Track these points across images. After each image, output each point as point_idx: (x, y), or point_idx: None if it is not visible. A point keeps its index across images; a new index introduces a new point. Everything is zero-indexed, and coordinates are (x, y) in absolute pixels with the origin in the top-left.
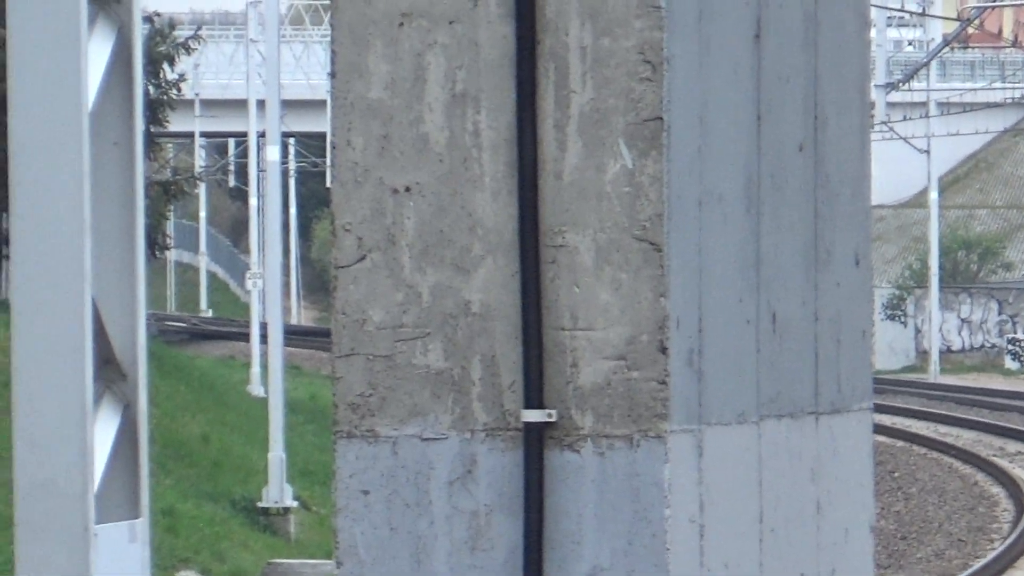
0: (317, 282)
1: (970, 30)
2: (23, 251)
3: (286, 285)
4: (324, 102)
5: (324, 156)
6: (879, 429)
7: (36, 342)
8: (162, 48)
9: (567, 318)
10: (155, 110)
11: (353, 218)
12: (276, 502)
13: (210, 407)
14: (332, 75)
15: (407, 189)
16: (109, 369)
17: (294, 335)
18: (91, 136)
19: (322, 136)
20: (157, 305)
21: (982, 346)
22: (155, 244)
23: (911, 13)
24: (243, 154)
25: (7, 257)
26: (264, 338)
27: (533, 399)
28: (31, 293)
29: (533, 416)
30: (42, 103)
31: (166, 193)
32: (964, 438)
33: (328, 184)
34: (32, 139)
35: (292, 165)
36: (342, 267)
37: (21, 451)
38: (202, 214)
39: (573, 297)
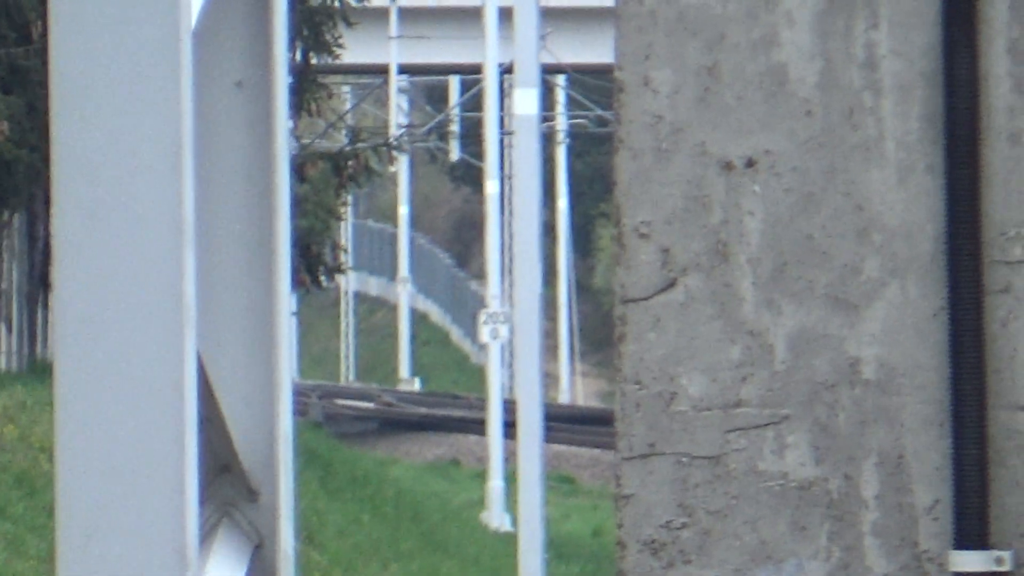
0: (604, 331)
1: None
2: (71, 274)
3: (552, 336)
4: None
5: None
6: None
7: (93, 433)
8: None
9: None
10: (315, 27)
11: (654, 215)
12: None
13: (416, 550)
14: None
15: (750, 164)
16: (227, 482)
17: (565, 423)
18: (195, 71)
19: (611, 72)
20: (321, 371)
21: None
22: (317, 264)
23: None
24: (474, 104)
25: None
26: (512, 429)
27: (971, 533)
28: (86, 349)
29: (972, 562)
30: (102, 13)
31: (338, 173)
32: None
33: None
34: (86, 79)
35: (562, 123)
36: (634, 300)
37: None
38: (403, 210)
39: None
